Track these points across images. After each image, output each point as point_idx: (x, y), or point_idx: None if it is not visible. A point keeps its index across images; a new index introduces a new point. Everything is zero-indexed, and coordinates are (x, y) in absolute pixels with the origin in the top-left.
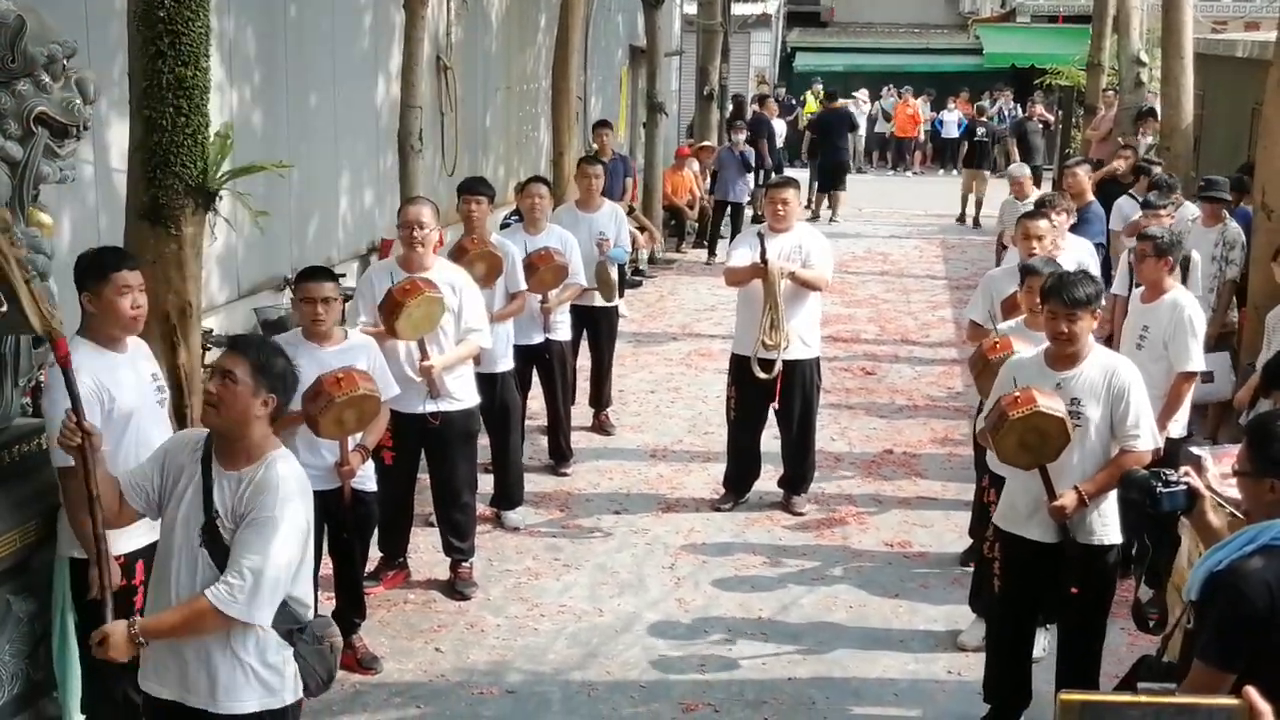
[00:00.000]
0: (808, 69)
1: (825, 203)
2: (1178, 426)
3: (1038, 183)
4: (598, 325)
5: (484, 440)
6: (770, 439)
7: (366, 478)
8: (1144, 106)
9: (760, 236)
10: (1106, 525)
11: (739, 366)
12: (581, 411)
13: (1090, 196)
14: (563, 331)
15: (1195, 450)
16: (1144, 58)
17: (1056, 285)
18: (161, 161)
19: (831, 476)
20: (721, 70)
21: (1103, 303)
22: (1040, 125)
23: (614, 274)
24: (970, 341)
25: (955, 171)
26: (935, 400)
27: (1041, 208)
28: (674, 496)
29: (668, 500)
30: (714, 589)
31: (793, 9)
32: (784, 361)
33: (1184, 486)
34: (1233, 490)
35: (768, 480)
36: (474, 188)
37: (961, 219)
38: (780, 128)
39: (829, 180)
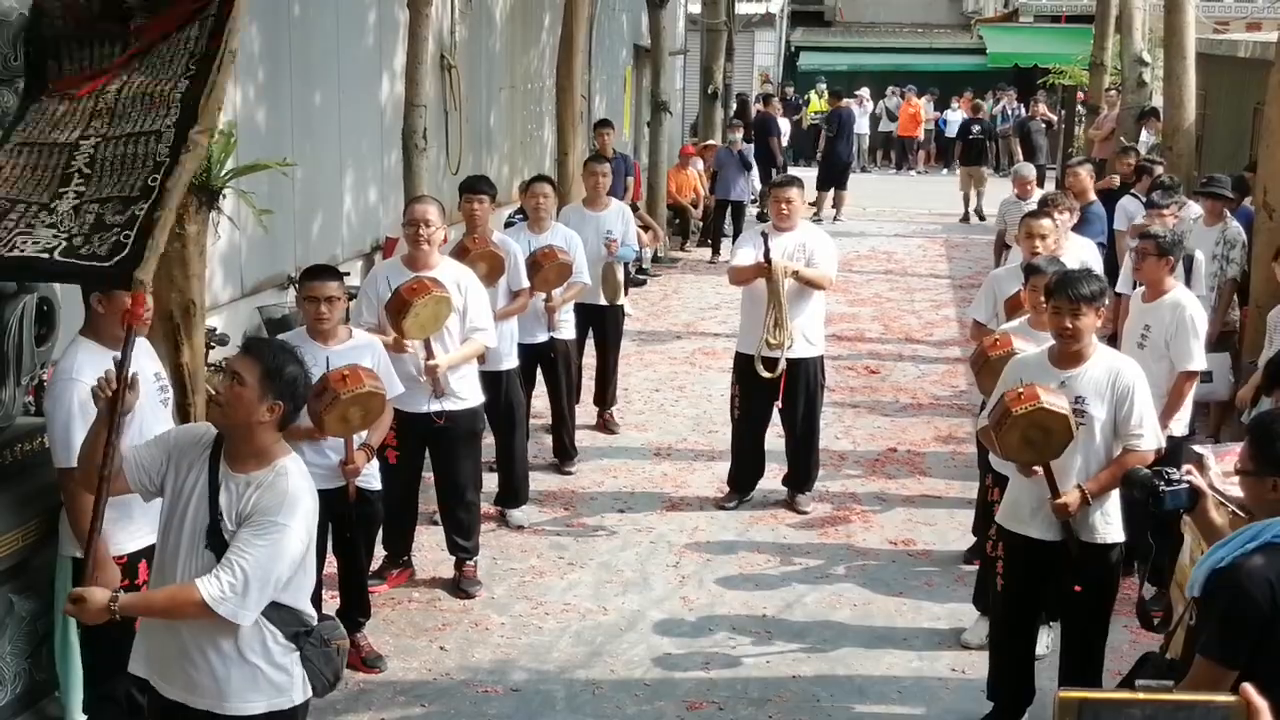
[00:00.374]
0: (812, 68)
1: (829, 202)
2: (1180, 425)
3: (1041, 182)
4: (603, 324)
5: (489, 439)
6: (774, 437)
7: (371, 476)
8: (1146, 106)
9: (764, 236)
10: (1109, 524)
11: (743, 365)
12: (586, 410)
13: (1092, 196)
14: (567, 330)
15: (1197, 449)
16: (1146, 58)
17: (1062, 281)
18: None
19: (836, 475)
20: (726, 69)
21: (1107, 301)
22: (1043, 125)
23: (620, 273)
24: (974, 340)
25: (946, 171)
26: (939, 399)
27: (1044, 207)
28: (678, 495)
29: (672, 499)
30: (718, 587)
31: (797, 8)
32: (788, 360)
33: (1186, 485)
34: (1235, 488)
35: (772, 479)
36: (476, 187)
37: (965, 218)
38: (785, 127)
39: (837, 179)
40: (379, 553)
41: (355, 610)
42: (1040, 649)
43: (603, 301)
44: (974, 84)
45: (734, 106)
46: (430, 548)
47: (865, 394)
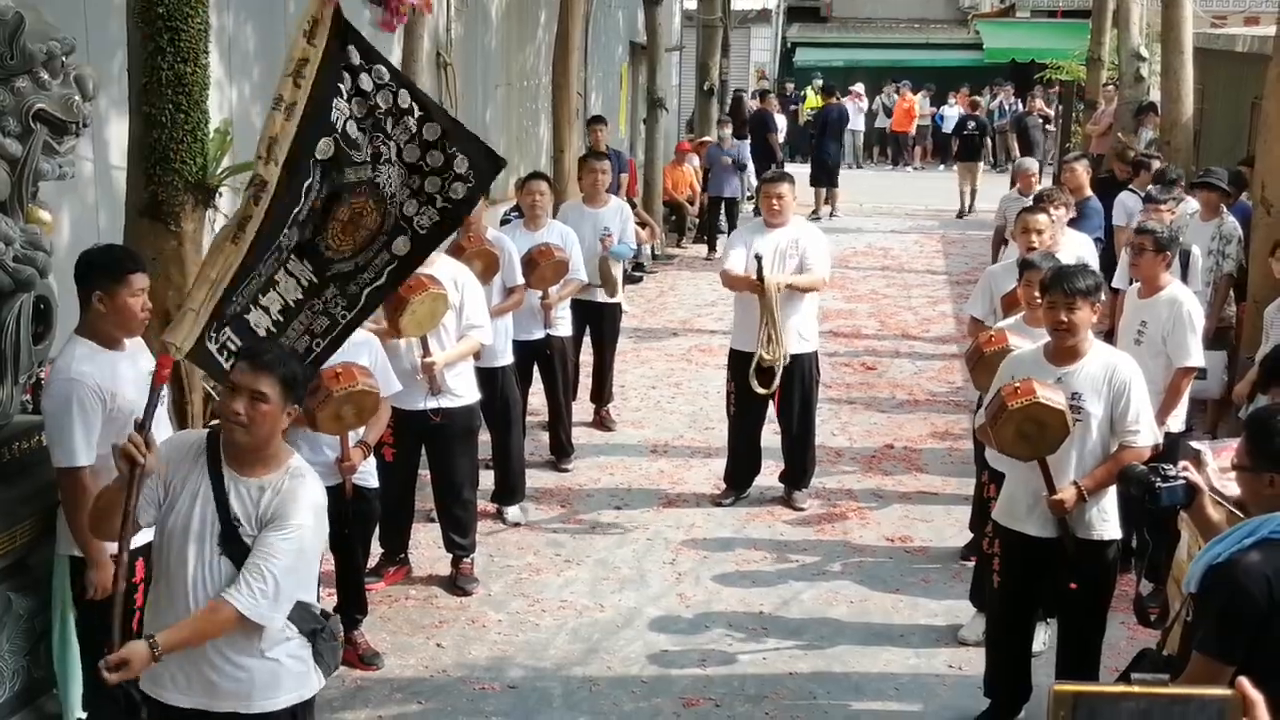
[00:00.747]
0: (808, 64)
1: (823, 198)
2: (1177, 421)
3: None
4: (600, 321)
5: (485, 436)
6: (771, 434)
7: (368, 474)
8: (1144, 101)
9: (758, 259)
10: (1106, 520)
11: (738, 362)
12: (582, 407)
13: (1089, 191)
14: (564, 327)
15: (1194, 445)
16: (1144, 52)
17: (1056, 276)
18: (161, 158)
19: (832, 471)
20: (722, 66)
21: (1103, 296)
22: (1040, 120)
23: (617, 270)
24: (971, 337)
25: (943, 167)
26: (936, 395)
27: (1040, 202)
28: (675, 492)
29: (668, 496)
30: (715, 584)
31: (793, 4)
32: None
33: (1183, 481)
34: (1232, 485)
35: (768, 475)
36: None
37: (961, 214)
38: (782, 123)
39: (827, 177)
40: (376, 550)
41: (352, 608)
42: (1037, 646)
43: (600, 298)
44: (971, 79)
45: (729, 102)
46: (427, 545)
47: (862, 390)
